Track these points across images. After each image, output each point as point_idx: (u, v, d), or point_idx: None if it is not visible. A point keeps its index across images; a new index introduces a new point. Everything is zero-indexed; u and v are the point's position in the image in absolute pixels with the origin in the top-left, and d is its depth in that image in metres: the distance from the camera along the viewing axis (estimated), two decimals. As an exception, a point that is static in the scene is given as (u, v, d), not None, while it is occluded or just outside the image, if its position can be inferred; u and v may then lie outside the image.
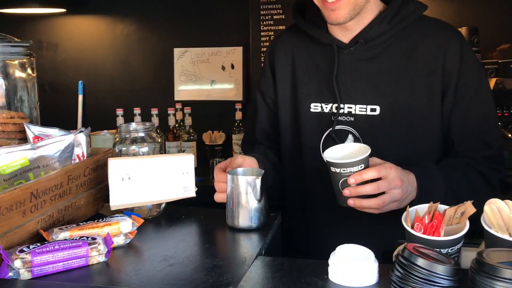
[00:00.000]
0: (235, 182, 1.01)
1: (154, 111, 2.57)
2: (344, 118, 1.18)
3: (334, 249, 0.79)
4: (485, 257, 0.67)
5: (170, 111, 2.63)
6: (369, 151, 0.99)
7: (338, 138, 1.19)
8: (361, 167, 0.97)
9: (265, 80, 1.33)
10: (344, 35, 1.19)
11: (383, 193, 0.97)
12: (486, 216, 0.77)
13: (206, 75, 2.90)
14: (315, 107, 1.22)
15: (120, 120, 2.59)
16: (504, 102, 2.17)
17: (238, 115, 2.67)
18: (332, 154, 1.03)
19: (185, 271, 0.81)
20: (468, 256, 0.79)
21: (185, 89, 2.92)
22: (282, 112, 1.28)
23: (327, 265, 0.76)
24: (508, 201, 0.75)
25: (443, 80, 1.14)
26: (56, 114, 2.80)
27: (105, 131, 2.46)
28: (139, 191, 1.03)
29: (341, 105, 1.18)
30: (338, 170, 0.98)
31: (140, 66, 2.93)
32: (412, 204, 1.00)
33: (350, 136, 1.18)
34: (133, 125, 1.09)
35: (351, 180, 0.96)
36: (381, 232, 1.09)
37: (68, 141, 0.97)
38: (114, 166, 0.99)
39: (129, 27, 2.92)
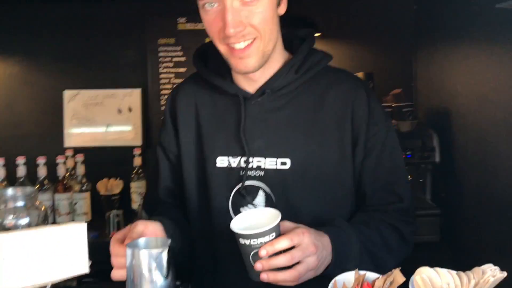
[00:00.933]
0: (136, 258, 0.87)
1: (42, 160, 2.32)
2: (253, 173, 1.11)
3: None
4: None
5: (60, 159, 2.40)
6: (280, 216, 0.92)
7: (248, 195, 1.11)
8: (272, 236, 0.90)
9: (166, 133, 1.23)
10: (250, 85, 1.13)
11: (297, 262, 0.90)
12: (416, 286, 0.72)
13: (100, 119, 2.71)
14: (221, 162, 1.14)
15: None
16: (401, 144, 2.25)
17: (137, 161, 2.51)
18: (239, 223, 0.95)
19: None
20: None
21: (77, 134, 2.70)
22: (187, 168, 1.18)
23: None
24: (437, 269, 0.71)
25: (352, 131, 1.12)
26: None
27: (-18, 184, 2.16)
28: (18, 273, 0.84)
29: (250, 159, 1.11)
30: (248, 242, 0.90)
31: (26, 110, 2.66)
32: (328, 268, 0.95)
33: (261, 192, 1.11)
34: (9, 192, 0.91)
35: (263, 252, 0.89)
36: None
37: None
38: (-17, 246, 0.80)
39: (13, 68, 2.65)
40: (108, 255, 1.05)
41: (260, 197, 1.11)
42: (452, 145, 2.22)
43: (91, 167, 2.46)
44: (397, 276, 0.74)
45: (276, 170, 1.10)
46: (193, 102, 1.19)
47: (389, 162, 1.14)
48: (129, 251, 0.88)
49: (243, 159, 1.11)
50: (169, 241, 0.92)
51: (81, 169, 2.43)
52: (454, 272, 0.71)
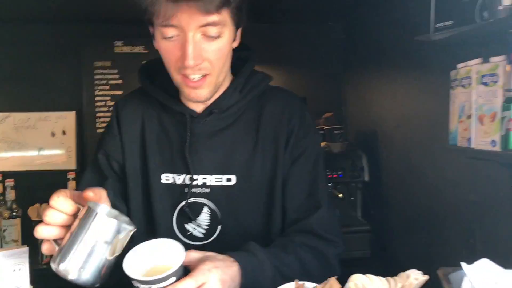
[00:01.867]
0: (99, 222, 0.79)
1: (-33, 185, 2.22)
2: (199, 190, 1.13)
3: None
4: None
5: (-14, 185, 2.30)
6: (184, 255, 0.85)
7: (192, 212, 1.13)
8: (173, 279, 0.82)
9: (113, 141, 1.19)
10: (197, 105, 1.16)
11: None
12: (350, 291, 0.79)
13: (32, 142, 2.64)
14: (166, 178, 1.15)
15: None
16: (332, 164, 2.39)
17: (71, 185, 2.45)
18: (135, 259, 0.85)
19: None
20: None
21: (6, 158, 2.60)
22: (131, 184, 1.17)
23: None
24: (369, 275, 0.78)
25: (286, 140, 1.16)
26: None
27: None
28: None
29: (195, 176, 1.13)
30: (142, 287, 0.82)
31: (-50, 134, 2.54)
32: None
33: (205, 209, 1.13)
34: None
35: None
36: None
37: None
38: None
39: None
40: (44, 283, 1.02)
41: (205, 214, 1.13)
42: (379, 164, 2.37)
43: (22, 192, 2.38)
44: (333, 284, 0.81)
45: (222, 186, 1.13)
46: (139, 116, 1.19)
47: (312, 170, 1.17)
48: (99, 212, 0.80)
49: (188, 176, 1.13)
50: (134, 227, 0.85)
51: (11, 195, 2.34)
52: (383, 278, 0.79)
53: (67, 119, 2.66)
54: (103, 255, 0.81)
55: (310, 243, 1.09)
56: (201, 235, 1.13)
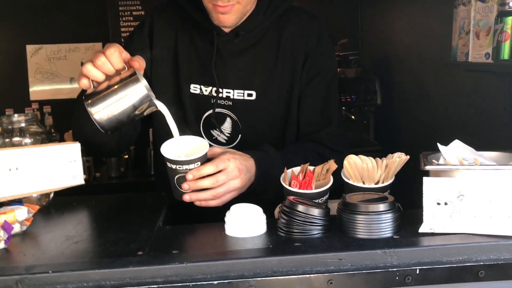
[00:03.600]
0: (137, 88, 0.93)
1: (9, 112, 2.42)
2: (223, 102, 1.26)
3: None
4: (347, 199, 0.84)
5: (27, 111, 2.50)
6: (207, 149, 1.01)
7: (217, 120, 1.26)
8: (197, 164, 0.99)
9: (141, 48, 1.25)
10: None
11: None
12: (345, 170, 0.95)
13: (64, 72, 2.81)
14: (194, 88, 1.27)
15: (-30, 123, 2.39)
16: (346, 89, 2.51)
17: (103, 112, 2.63)
18: (170, 146, 1.01)
19: (92, 246, 0.85)
20: (334, 207, 0.95)
21: (42, 88, 2.79)
22: (161, 90, 1.25)
23: (224, 223, 0.88)
24: (361, 156, 0.94)
25: (304, 62, 1.26)
26: None
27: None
28: (27, 181, 1.02)
29: (220, 90, 1.25)
30: (174, 167, 0.99)
31: (-11, 65, 2.73)
32: (252, 187, 1.10)
33: (228, 119, 1.26)
34: (15, 117, 1.08)
35: (189, 176, 0.99)
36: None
37: None
38: (0, 157, 0.98)
39: (-28, 23, 2.70)
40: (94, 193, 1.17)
41: (227, 123, 1.27)
42: (391, 87, 2.48)
43: (58, 119, 2.59)
44: (332, 165, 0.97)
45: (243, 100, 1.25)
46: (174, 28, 1.28)
47: (325, 90, 1.29)
48: (143, 81, 0.92)
49: (214, 89, 1.26)
50: (158, 106, 0.99)
51: (49, 120, 2.55)
52: (372, 158, 0.95)
53: (94, 50, 2.80)
54: (126, 114, 0.95)
55: (318, 150, 1.22)
56: (224, 141, 1.27)
